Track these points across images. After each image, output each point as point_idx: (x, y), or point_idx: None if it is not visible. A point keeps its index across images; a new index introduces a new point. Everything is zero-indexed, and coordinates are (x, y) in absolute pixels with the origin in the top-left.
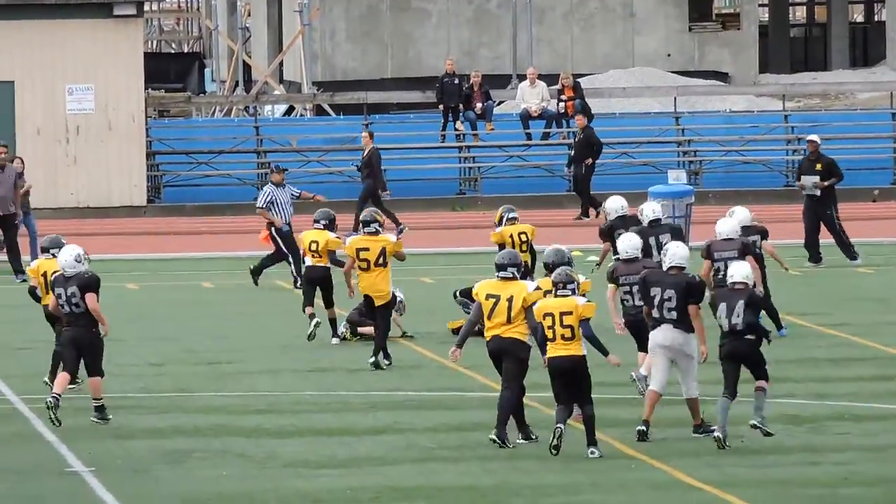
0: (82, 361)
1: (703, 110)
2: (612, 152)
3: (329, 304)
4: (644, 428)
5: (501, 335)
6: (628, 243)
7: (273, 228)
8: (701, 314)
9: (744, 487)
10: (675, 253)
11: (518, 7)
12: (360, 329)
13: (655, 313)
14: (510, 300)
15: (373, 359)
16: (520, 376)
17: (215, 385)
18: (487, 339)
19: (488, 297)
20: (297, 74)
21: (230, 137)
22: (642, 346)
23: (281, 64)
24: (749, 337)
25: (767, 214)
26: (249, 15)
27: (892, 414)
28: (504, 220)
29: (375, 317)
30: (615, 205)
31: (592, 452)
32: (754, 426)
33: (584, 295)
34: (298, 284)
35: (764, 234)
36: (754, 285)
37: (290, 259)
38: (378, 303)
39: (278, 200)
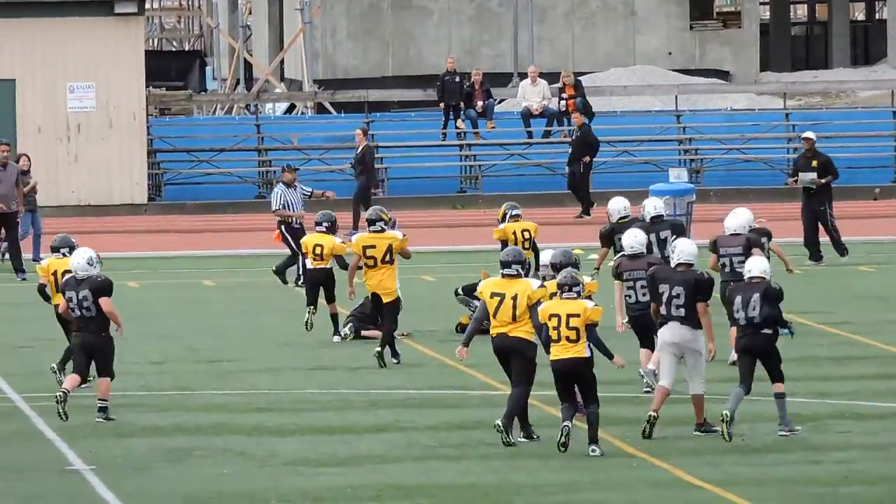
0: (93, 364)
1: (704, 108)
2: (613, 150)
3: (331, 299)
4: (654, 414)
5: (508, 334)
6: (633, 239)
7: (283, 227)
8: (709, 311)
9: (744, 486)
10: (683, 250)
11: (519, 5)
12: (363, 332)
13: (663, 310)
14: (515, 298)
15: (379, 350)
16: (530, 374)
17: (216, 383)
18: (493, 336)
19: (493, 295)
20: (298, 72)
21: (231, 135)
22: (645, 342)
23: (282, 62)
24: (766, 332)
25: (768, 213)
26: (250, 13)
27: (893, 412)
28: (507, 216)
29: (383, 314)
30: (617, 206)
31: (593, 450)
32: (783, 436)
33: (589, 297)
34: (300, 283)
35: (769, 236)
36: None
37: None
38: (386, 300)
39: (289, 201)
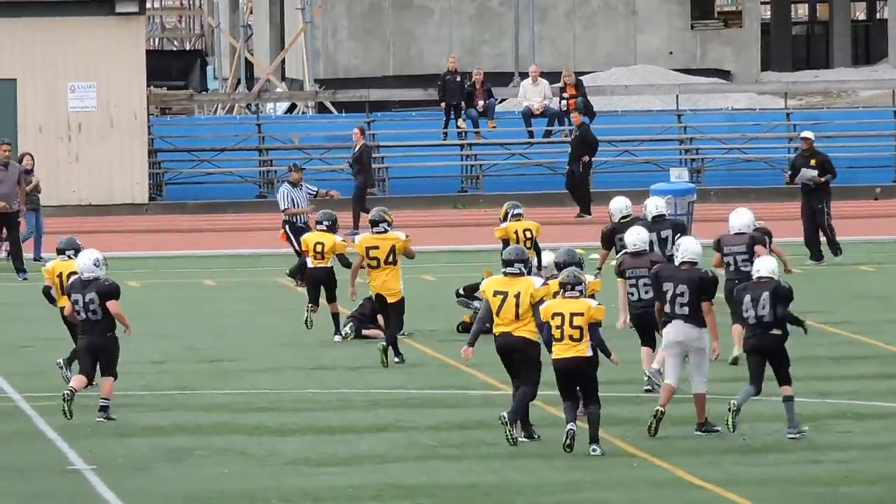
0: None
1: (705, 108)
2: (614, 150)
3: (332, 299)
4: (661, 409)
5: (511, 333)
6: (636, 236)
7: (288, 227)
8: (714, 310)
9: (745, 486)
10: (687, 248)
11: (520, 5)
12: (364, 332)
13: (667, 308)
14: (517, 296)
15: (384, 345)
16: (536, 374)
17: (217, 383)
18: (496, 335)
19: (496, 293)
20: (299, 72)
21: (232, 135)
22: (646, 341)
23: (283, 61)
24: (775, 332)
25: (769, 212)
26: (251, 12)
27: (893, 412)
28: (509, 215)
29: (388, 314)
30: (619, 205)
31: (594, 450)
32: (792, 438)
33: (592, 296)
34: (301, 282)
35: (769, 236)
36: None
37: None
38: (390, 300)
39: (295, 200)
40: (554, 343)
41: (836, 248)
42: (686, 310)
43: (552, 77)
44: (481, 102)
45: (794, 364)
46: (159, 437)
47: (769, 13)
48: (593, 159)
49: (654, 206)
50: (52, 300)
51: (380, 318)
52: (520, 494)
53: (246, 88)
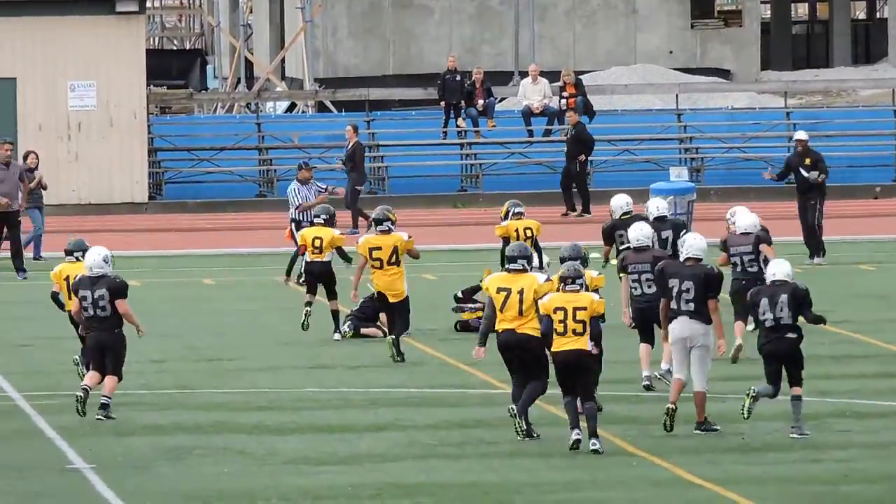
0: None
1: (704, 107)
2: (614, 149)
3: (332, 296)
4: (673, 406)
5: (516, 330)
6: (640, 232)
7: (294, 226)
8: (719, 308)
9: (745, 484)
10: (692, 244)
11: (520, 4)
12: (363, 330)
13: (673, 304)
14: (521, 293)
15: (392, 337)
16: (544, 369)
17: (216, 382)
18: (499, 331)
19: (499, 290)
20: (298, 71)
21: (232, 134)
22: (645, 337)
23: (283, 60)
24: (791, 335)
25: (769, 211)
26: (251, 11)
27: (893, 411)
28: (510, 214)
29: (392, 313)
30: (620, 202)
31: (594, 444)
32: (793, 437)
33: (596, 290)
34: (301, 280)
35: (766, 231)
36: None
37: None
38: (394, 300)
39: (307, 199)
40: (556, 336)
41: (817, 249)
42: (692, 306)
43: (552, 76)
44: (481, 101)
45: None
46: (159, 436)
47: (769, 12)
48: (591, 158)
49: (656, 207)
50: (60, 305)
51: (382, 316)
52: (519, 493)
53: (246, 87)
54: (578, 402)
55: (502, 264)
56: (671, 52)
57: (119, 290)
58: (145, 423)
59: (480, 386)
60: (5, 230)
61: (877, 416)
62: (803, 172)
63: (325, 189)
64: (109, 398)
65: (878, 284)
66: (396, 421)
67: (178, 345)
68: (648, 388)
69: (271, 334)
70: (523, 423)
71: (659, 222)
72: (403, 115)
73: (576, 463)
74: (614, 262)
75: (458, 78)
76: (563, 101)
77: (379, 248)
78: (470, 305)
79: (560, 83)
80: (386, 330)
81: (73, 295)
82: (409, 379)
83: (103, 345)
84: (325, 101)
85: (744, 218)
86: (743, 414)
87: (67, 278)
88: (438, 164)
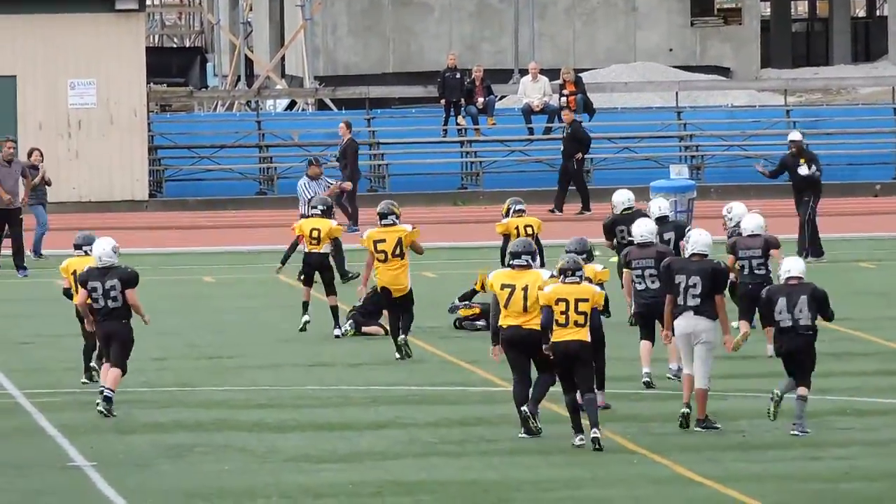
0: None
1: (704, 105)
2: (614, 147)
3: (331, 291)
4: (688, 410)
5: (521, 326)
6: (644, 227)
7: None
8: (724, 303)
9: (745, 482)
10: (697, 240)
11: (520, 2)
12: (364, 328)
13: (679, 300)
14: (525, 289)
15: (403, 337)
16: (551, 365)
17: (217, 379)
18: (503, 327)
19: (503, 286)
20: (298, 69)
21: (232, 132)
22: (646, 333)
23: (283, 58)
24: (807, 333)
25: (769, 210)
26: (251, 9)
27: (894, 409)
28: (511, 211)
29: (398, 308)
30: (621, 198)
31: (595, 433)
32: (794, 434)
33: (600, 284)
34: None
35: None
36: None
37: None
38: (399, 295)
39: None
40: (556, 327)
41: (804, 249)
42: (698, 301)
43: (552, 74)
44: (481, 99)
45: None
46: (159, 433)
47: (769, 10)
48: (590, 156)
49: (658, 207)
50: (72, 299)
51: (384, 313)
52: (519, 491)
53: (246, 85)
54: (578, 396)
55: (503, 262)
56: (671, 50)
57: (131, 279)
58: (146, 421)
59: (481, 384)
60: (6, 227)
61: (877, 414)
62: (798, 170)
63: (334, 184)
64: (113, 391)
65: (878, 282)
66: (397, 419)
67: (179, 342)
68: (649, 385)
69: (272, 332)
70: (538, 422)
71: (661, 223)
72: (403, 113)
73: (576, 460)
74: (614, 259)
75: (458, 76)
76: (563, 98)
77: (383, 241)
78: (465, 302)
79: (560, 81)
80: (388, 328)
81: (80, 287)
82: (409, 376)
83: (111, 334)
84: (325, 99)
85: (750, 220)
86: (770, 417)
87: (75, 272)
88: (438, 161)
